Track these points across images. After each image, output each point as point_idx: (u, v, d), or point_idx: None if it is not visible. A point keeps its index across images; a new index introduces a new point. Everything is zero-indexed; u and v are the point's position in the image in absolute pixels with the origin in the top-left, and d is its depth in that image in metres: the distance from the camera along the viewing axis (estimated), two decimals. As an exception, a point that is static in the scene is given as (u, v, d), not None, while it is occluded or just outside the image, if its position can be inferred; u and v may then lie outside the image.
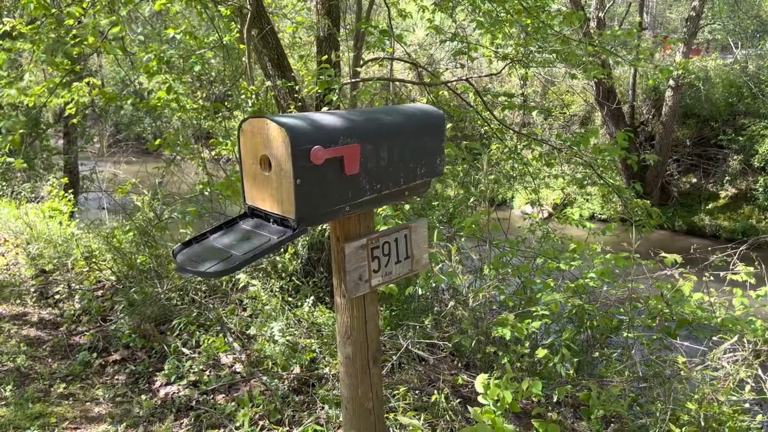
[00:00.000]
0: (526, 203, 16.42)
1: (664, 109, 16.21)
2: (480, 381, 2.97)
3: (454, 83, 6.23)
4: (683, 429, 2.75)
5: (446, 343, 3.64)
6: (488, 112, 6.29)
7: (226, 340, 4.19)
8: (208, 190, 5.38)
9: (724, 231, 15.56)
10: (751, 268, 4.33)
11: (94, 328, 4.61)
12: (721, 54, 19.21)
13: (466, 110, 6.48)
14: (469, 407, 3.41)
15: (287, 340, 3.63)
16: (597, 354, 3.80)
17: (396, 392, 3.40)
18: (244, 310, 4.53)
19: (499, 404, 2.89)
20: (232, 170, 5.40)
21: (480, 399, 2.96)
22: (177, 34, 4.77)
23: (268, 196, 1.66)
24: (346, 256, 1.82)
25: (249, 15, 5.17)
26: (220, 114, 6.30)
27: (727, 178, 16.36)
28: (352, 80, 5.15)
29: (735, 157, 16.21)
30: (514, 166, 7.11)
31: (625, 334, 3.80)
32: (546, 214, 15.47)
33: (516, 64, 6.09)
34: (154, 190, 5.82)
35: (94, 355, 4.19)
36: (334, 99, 5.08)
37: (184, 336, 4.37)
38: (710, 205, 16.39)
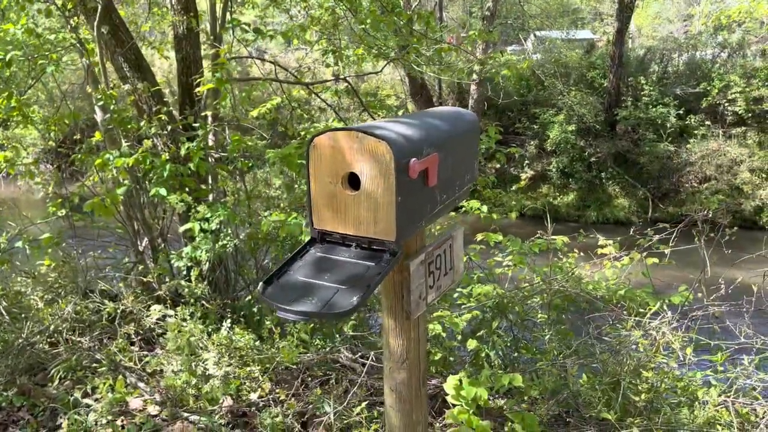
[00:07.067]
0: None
1: (470, 102, 17.50)
2: (452, 383, 2.95)
3: (332, 83, 6.09)
4: (642, 396, 2.99)
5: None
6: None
7: (126, 381, 3.67)
8: (63, 212, 4.66)
9: (528, 209, 17.30)
10: (611, 241, 4.87)
11: (-60, 392, 3.74)
12: (511, 49, 21.26)
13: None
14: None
15: (226, 371, 3.27)
16: (521, 337, 3.98)
17: (352, 410, 3.24)
18: (145, 344, 4.00)
19: (472, 402, 2.90)
20: (102, 187, 4.73)
21: (451, 400, 2.95)
22: (17, 29, 4.00)
23: (351, 218, 1.46)
24: (411, 274, 1.67)
25: (99, 9, 4.55)
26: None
27: (526, 162, 18.18)
28: (244, 78, 4.77)
29: (531, 142, 18.08)
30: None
31: (539, 315, 4.04)
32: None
33: (392, 62, 6.11)
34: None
35: (-44, 425, 3.41)
36: (221, 102, 4.73)
37: (67, 384, 3.74)
38: (514, 187, 18.10)
